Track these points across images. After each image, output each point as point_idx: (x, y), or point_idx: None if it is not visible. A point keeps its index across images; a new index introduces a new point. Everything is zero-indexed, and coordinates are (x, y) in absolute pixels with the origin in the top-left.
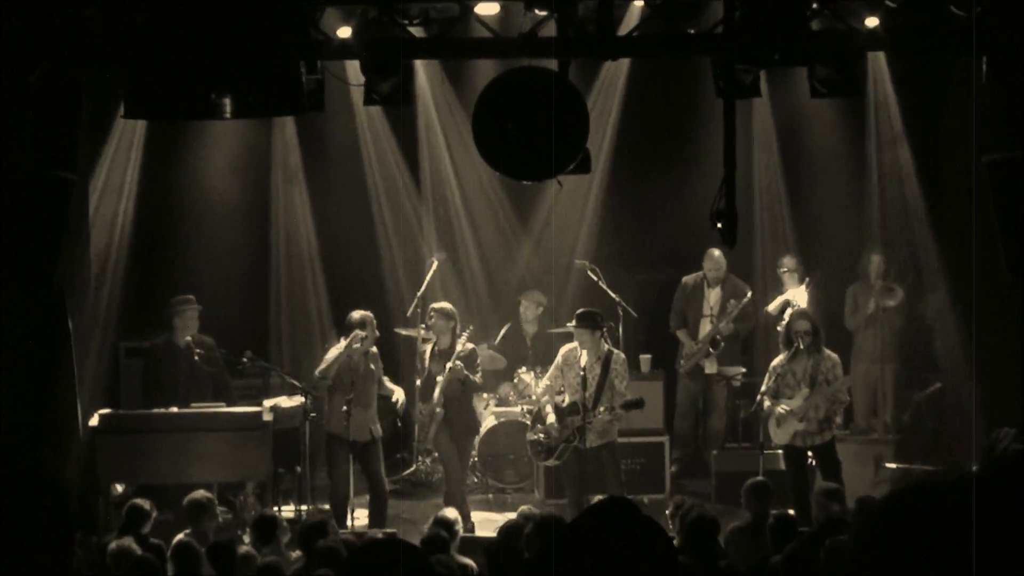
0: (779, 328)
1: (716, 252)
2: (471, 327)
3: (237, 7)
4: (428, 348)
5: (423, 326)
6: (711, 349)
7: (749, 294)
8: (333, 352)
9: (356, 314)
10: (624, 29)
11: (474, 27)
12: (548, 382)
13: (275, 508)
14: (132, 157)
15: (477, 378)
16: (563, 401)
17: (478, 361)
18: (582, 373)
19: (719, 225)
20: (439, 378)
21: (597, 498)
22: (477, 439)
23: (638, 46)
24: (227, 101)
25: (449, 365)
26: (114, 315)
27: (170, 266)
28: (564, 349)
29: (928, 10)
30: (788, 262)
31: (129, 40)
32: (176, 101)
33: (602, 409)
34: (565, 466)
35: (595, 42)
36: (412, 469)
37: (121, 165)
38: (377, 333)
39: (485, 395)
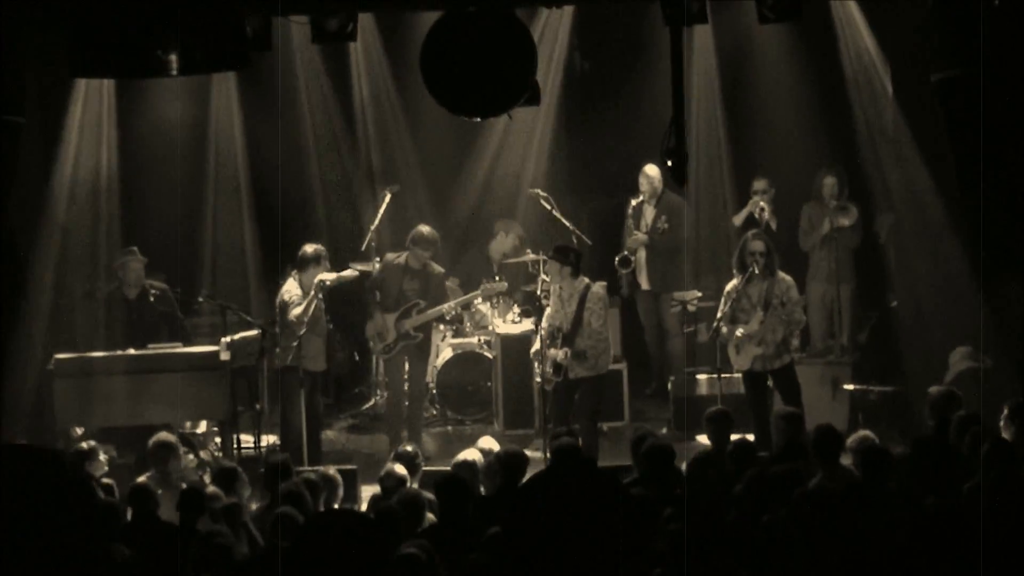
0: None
1: (650, 168)
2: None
3: None
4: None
5: (377, 260)
6: (620, 268)
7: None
8: (295, 290)
9: (310, 248)
10: None
11: None
12: (551, 310)
13: (235, 447)
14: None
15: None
16: (557, 331)
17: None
18: (560, 307)
19: (668, 163)
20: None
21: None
22: (433, 369)
23: None
24: (173, 58)
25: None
26: (73, 257)
27: (126, 209)
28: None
29: None
30: (759, 184)
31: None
32: (122, 59)
33: (562, 352)
34: (553, 395)
35: None
36: (371, 403)
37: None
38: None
39: (442, 326)
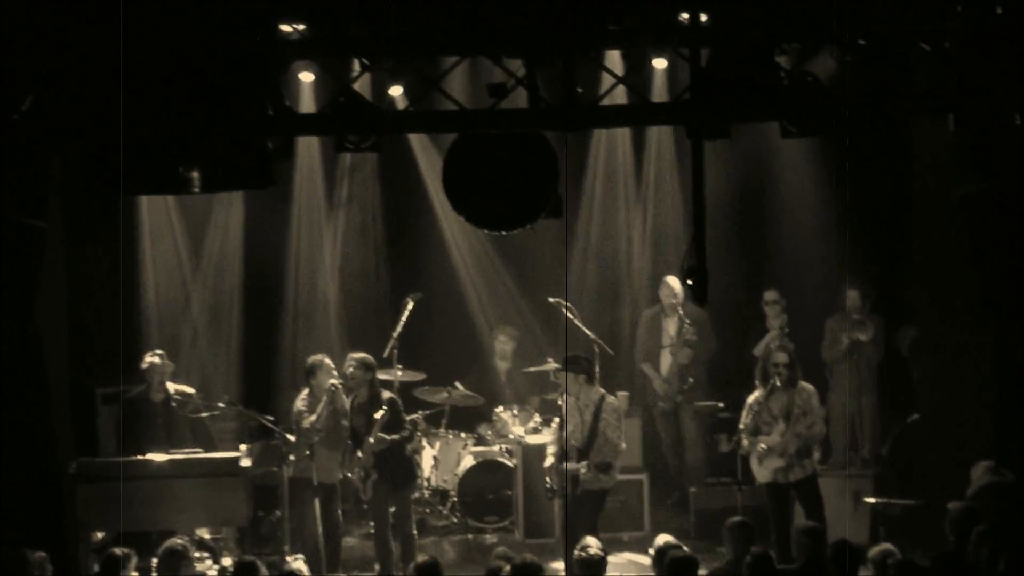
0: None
1: (671, 280)
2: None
3: (206, 84)
4: (349, 400)
5: (399, 368)
6: (682, 386)
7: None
8: (301, 402)
9: (315, 357)
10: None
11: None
12: (568, 423)
13: (255, 553)
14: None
15: (403, 434)
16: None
17: (401, 411)
18: (576, 417)
19: (689, 282)
20: (369, 438)
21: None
22: (454, 476)
23: (608, 117)
24: (196, 175)
25: (371, 439)
26: (92, 361)
27: (148, 312)
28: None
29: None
30: (770, 295)
31: (97, 116)
32: (146, 176)
33: (583, 466)
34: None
35: (565, 114)
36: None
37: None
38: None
39: (463, 434)
